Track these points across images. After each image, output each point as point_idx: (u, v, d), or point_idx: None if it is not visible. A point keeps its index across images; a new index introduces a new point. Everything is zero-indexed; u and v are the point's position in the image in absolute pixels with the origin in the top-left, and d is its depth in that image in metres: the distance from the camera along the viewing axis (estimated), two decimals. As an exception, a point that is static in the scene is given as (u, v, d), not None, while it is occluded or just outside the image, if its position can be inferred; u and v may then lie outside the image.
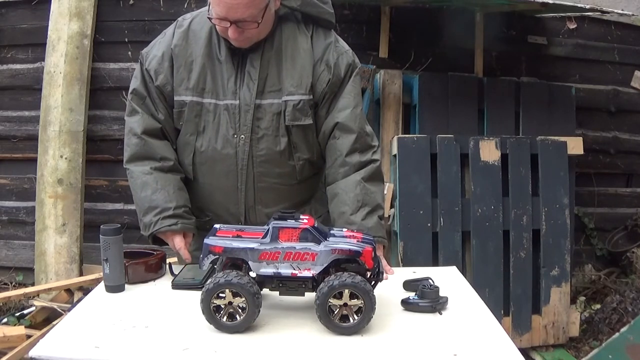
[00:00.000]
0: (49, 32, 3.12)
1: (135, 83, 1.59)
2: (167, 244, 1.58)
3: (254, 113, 1.52)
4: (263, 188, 1.58)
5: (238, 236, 1.21)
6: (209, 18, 1.47)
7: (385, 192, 2.80)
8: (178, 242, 1.54)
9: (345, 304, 1.15)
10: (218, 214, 1.63)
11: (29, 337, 2.44)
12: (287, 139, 1.55)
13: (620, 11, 3.11)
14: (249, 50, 1.52)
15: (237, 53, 1.53)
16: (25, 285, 3.15)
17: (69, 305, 2.78)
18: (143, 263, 1.48)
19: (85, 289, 2.84)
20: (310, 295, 1.20)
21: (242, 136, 1.52)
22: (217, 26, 1.48)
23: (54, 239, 3.07)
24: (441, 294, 1.31)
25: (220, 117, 1.53)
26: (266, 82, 1.53)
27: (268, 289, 1.22)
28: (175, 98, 1.55)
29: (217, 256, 1.20)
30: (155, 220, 1.52)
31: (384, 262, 1.52)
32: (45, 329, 2.55)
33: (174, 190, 1.55)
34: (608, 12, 3.10)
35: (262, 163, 1.55)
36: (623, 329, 2.46)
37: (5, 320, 2.79)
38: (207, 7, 1.49)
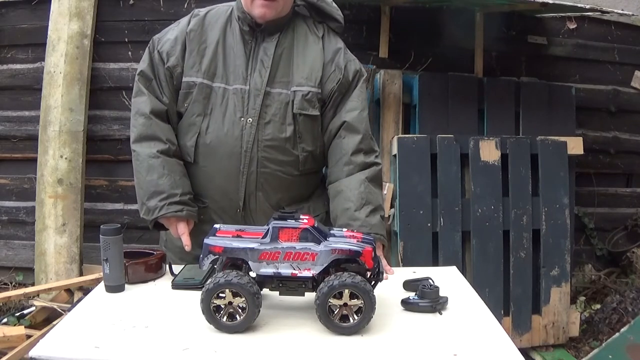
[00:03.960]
0: (49, 32, 3.12)
1: (142, 65, 1.61)
2: (167, 230, 1.60)
3: (263, 99, 1.55)
4: (265, 173, 1.58)
5: (238, 236, 1.21)
6: None
7: (385, 192, 2.81)
8: (181, 228, 1.55)
9: (345, 304, 1.15)
10: (216, 200, 1.62)
11: (29, 337, 2.44)
12: (294, 128, 1.57)
13: (620, 11, 3.11)
14: (263, 40, 1.57)
15: (250, 42, 1.57)
16: (25, 285, 3.14)
17: (69, 305, 2.78)
18: (143, 263, 1.48)
19: (85, 289, 2.84)
20: (310, 295, 1.20)
21: (250, 119, 1.54)
22: None
23: (54, 239, 3.07)
24: (441, 294, 1.32)
25: (229, 100, 1.55)
26: (277, 73, 1.57)
27: (268, 289, 1.22)
28: (184, 79, 1.57)
29: (217, 256, 1.20)
30: (161, 205, 1.53)
31: (384, 262, 1.52)
32: (45, 329, 2.55)
33: (179, 177, 1.57)
34: (608, 12, 3.10)
35: (266, 148, 1.56)
36: (623, 329, 2.46)
37: (5, 320, 2.79)
38: (223, 4, 1.59)
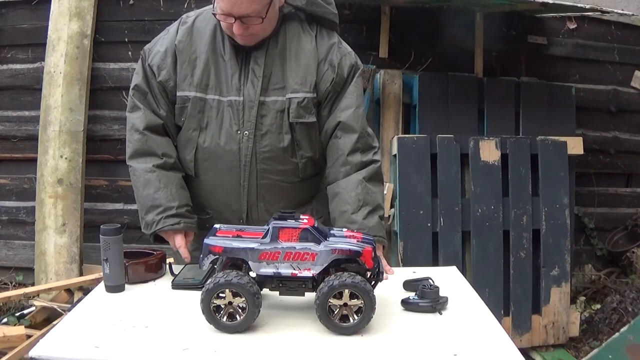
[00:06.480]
0: (49, 32, 3.12)
1: (136, 79, 1.59)
2: (169, 243, 1.58)
3: (258, 110, 1.52)
4: (266, 185, 1.57)
5: (238, 236, 1.21)
6: (213, 14, 1.48)
7: (385, 192, 2.81)
8: (179, 241, 1.54)
9: (345, 304, 1.15)
10: (219, 211, 1.63)
11: (29, 337, 2.44)
12: (291, 136, 1.55)
13: (620, 11, 3.11)
14: (253, 48, 1.53)
15: (241, 51, 1.53)
16: (25, 285, 3.15)
17: (69, 305, 2.78)
18: (143, 263, 1.48)
19: (85, 289, 2.84)
20: (310, 295, 1.20)
21: (246, 132, 1.53)
22: (222, 23, 1.49)
23: (54, 239, 3.07)
24: (441, 294, 1.31)
25: (224, 113, 1.53)
26: (270, 80, 1.54)
27: (268, 289, 1.22)
28: (178, 94, 1.55)
29: (217, 256, 1.20)
30: (158, 219, 1.52)
31: (384, 262, 1.52)
32: (45, 329, 2.55)
33: (176, 189, 1.55)
34: (608, 12, 3.10)
35: (265, 160, 1.55)
36: (623, 329, 2.46)
37: (5, 320, 2.79)
38: (211, 5, 1.50)
